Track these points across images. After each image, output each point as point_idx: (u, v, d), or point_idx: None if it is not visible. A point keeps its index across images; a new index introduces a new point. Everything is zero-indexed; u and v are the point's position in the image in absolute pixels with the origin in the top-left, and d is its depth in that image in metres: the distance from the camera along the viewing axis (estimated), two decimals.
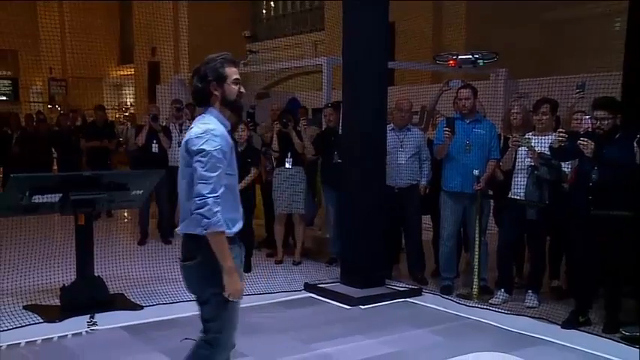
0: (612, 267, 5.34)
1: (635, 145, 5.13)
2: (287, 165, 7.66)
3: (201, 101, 3.31)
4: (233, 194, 3.29)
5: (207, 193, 3.03)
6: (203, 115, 3.30)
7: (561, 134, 5.28)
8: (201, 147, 3.09)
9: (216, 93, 3.23)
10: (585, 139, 5.09)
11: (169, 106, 9.42)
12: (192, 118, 9.31)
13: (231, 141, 3.31)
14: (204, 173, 3.05)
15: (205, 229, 3.06)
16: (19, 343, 5.03)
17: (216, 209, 3.03)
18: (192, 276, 3.32)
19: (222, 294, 3.19)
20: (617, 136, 5.21)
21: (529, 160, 5.92)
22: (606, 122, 5.14)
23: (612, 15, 8.12)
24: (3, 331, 5.26)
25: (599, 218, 5.20)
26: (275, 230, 8.01)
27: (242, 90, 3.32)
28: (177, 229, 3.40)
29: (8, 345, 4.98)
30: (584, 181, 5.36)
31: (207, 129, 3.14)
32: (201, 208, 3.03)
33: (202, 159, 3.07)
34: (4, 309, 5.77)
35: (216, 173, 3.07)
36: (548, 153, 5.60)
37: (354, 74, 6.68)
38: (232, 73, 3.27)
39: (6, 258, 6.99)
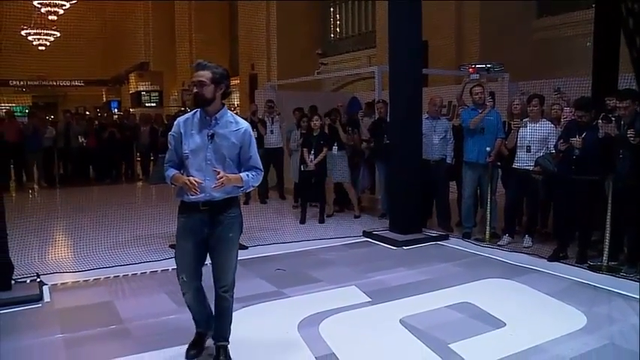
0: (584, 217, 5.33)
1: (599, 121, 5.11)
2: (334, 150, 7.60)
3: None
4: (185, 172, 3.08)
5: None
6: None
7: (560, 145, 5.31)
8: None
9: None
10: (577, 139, 5.13)
11: (264, 104, 9.53)
12: (279, 114, 9.49)
13: (193, 130, 3.02)
14: None
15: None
16: (168, 269, 5.16)
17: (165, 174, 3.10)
18: None
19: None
20: (594, 123, 5.20)
21: (527, 140, 5.83)
22: (585, 118, 5.19)
23: (585, 35, 8.14)
24: (158, 261, 5.51)
25: (578, 182, 5.18)
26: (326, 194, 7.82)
27: (194, 90, 3.03)
28: None
29: (162, 270, 5.22)
30: (569, 156, 5.29)
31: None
32: None
33: None
34: (157, 247, 6.04)
35: (167, 152, 3.13)
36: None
37: (398, 78, 6.58)
38: (194, 76, 3.05)
39: (156, 212, 7.35)
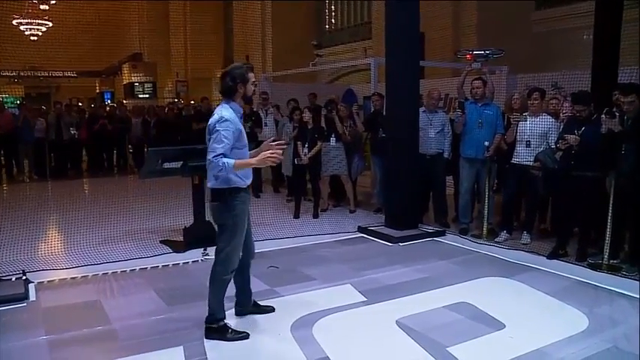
0: (584, 214, 5.21)
1: (603, 116, 4.98)
2: (332, 142, 7.43)
3: (227, 95, 3.39)
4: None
5: (212, 158, 3.18)
6: (222, 105, 3.38)
7: (560, 144, 5.22)
8: (215, 127, 3.24)
9: (241, 90, 3.38)
10: (573, 137, 5.03)
11: (258, 96, 9.33)
12: (275, 107, 9.29)
13: (241, 125, 3.38)
14: (213, 145, 3.21)
15: (221, 175, 3.24)
16: (158, 265, 5.16)
17: (220, 165, 3.16)
18: (216, 211, 3.44)
19: (232, 225, 3.38)
20: (593, 117, 5.11)
21: (527, 135, 5.70)
22: (584, 112, 5.09)
23: (584, 28, 8.02)
24: (148, 257, 5.39)
25: (578, 177, 5.05)
26: (322, 188, 7.65)
27: (255, 90, 3.52)
28: (207, 184, 3.47)
29: (151, 267, 5.11)
30: (569, 151, 5.16)
31: (222, 116, 3.27)
32: (212, 169, 3.21)
33: (213, 135, 3.23)
34: (147, 242, 5.92)
35: (221, 145, 3.18)
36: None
37: (394, 71, 6.42)
38: (252, 77, 3.44)
39: (148, 206, 7.19)
